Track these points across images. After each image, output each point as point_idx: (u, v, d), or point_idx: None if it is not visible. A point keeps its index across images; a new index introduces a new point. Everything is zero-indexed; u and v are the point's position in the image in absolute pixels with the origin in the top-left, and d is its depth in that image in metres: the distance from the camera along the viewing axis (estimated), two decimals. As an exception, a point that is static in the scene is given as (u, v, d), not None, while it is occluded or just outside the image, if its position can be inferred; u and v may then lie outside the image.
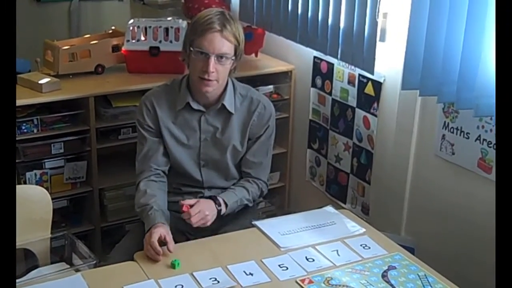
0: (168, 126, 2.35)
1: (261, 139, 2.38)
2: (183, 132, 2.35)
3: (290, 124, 3.52)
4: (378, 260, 2.04)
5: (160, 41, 3.20)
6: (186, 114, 2.35)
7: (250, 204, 2.39)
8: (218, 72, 2.23)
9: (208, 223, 2.18)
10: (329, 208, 2.37)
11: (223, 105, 2.32)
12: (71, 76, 3.15)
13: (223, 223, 2.33)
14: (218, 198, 2.28)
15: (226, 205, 2.27)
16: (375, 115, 2.87)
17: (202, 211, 2.16)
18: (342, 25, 2.80)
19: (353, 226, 2.24)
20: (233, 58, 2.25)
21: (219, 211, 2.24)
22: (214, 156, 2.38)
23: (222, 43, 2.21)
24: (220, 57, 2.21)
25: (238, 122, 2.36)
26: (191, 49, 2.25)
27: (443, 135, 2.51)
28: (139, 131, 2.38)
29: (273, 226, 2.22)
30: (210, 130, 2.35)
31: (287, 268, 1.98)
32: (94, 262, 2.10)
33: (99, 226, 3.16)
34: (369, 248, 2.10)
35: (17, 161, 2.89)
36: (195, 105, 2.32)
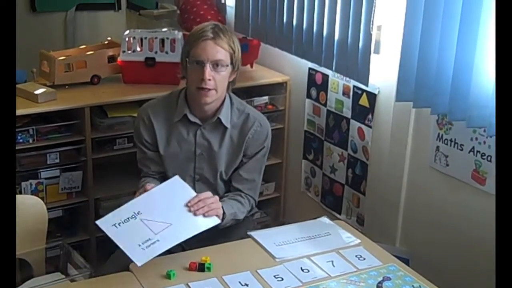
0: (164, 138, 2.35)
1: (256, 157, 2.38)
2: (178, 145, 2.36)
3: (285, 135, 3.53)
4: (373, 271, 2.04)
5: (156, 52, 3.21)
6: (182, 127, 2.35)
7: (241, 218, 2.35)
8: (216, 81, 2.23)
9: (221, 211, 2.14)
10: (324, 219, 2.38)
11: (219, 119, 2.33)
12: (67, 87, 3.16)
13: (218, 234, 2.33)
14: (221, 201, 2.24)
15: (224, 214, 2.23)
16: (370, 127, 2.88)
17: (211, 195, 2.13)
18: (336, 37, 2.82)
19: (348, 237, 2.25)
20: (230, 65, 2.26)
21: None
22: (208, 171, 2.38)
23: (216, 50, 2.22)
24: (215, 64, 2.22)
25: (234, 137, 2.36)
26: (187, 60, 2.27)
27: (437, 147, 2.52)
28: (138, 147, 2.39)
29: (268, 236, 2.23)
30: (205, 144, 2.35)
31: (282, 279, 1.98)
32: (89, 272, 2.10)
33: (94, 236, 3.15)
34: (364, 259, 2.11)
35: (12, 171, 2.90)
36: (192, 118, 2.33)
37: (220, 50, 2.22)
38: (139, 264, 1.93)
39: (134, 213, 2.02)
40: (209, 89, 2.23)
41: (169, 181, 2.18)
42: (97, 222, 2.01)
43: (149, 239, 1.98)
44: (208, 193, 2.15)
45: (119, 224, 2.00)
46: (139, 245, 1.96)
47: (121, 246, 1.95)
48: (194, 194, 2.11)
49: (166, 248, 2.00)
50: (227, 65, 2.25)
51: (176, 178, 2.15)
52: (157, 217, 2.02)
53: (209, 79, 2.22)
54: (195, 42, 2.24)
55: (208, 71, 2.21)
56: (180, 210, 2.07)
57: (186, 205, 2.08)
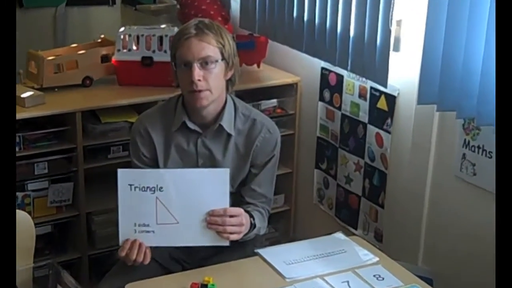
0: (163, 151, 2.35)
1: (267, 167, 2.38)
2: (179, 157, 2.35)
3: (295, 141, 3.53)
4: (393, 292, 2.04)
5: (154, 51, 3.22)
6: (181, 137, 2.34)
7: (262, 233, 2.38)
8: (208, 80, 2.22)
9: (240, 236, 2.16)
10: (339, 235, 2.37)
11: (221, 126, 2.32)
12: (56, 89, 3.17)
13: (222, 251, 2.32)
14: (251, 213, 2.27)
15: (254, 226, 2.26)
16: (389, 132, 2.88)
17: (241, 216, 2.15)
18: (352, 33, 2.82)
19: (365, 254, 2.24)
20: (221, 61, 2.24)
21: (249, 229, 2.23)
22: None
23: (201, 47, 2.21)
24: (204, 62, 2.21)
25: (239, 146, 2.35)
26: (175, 63, 2.27)
27: (464, 154, 2.51)
28: (133, 163, 2.37)
29: (277, 254, 2.22)
30: (207, 154, 2.34)
31: (292, 301, 1.98)
32: (81, 294, 2.10)
33: (86, 254, 3.16)
34: (383, 279, 2.10)
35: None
36: (191, 125, 2.32)
37: (206, 46, 2.21)
38: (119, 241, 2.06)
39: (157, 186, 2.06)
40: (201, 91, 2.22)
41: (217, 170, 2.20)
42: (119, 170, 2.09)
43: (148, 225, 2.06)
44: (238, 211, 2.15)
45: (135, 188, 2.06)
46: (134, 224, 2.06)
47: (119, 212, 2.06)
48: (226, 204, 2.11)
49: (156, 245, 2.09)
50: (217, 61, 2.23)
51: (226, 171, 2.12)
52: (173, 206, 2.06)
53: (199, 80, 2.20)
54: (178, 42, 2.24)
55: (197, 71, 2.20)
56: (197, 212, 2.09)
57: (207, 212, 2.09)
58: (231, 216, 2.11)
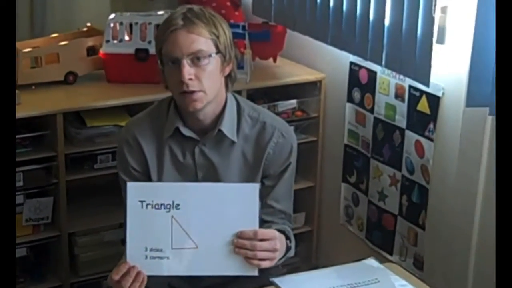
0: (156, 162, 2.35)
1: (284, 178, 2.38)
2: (175, 169, 2.35)
3: (319, 150, 3.54)
4: (436, 330, 2.04)
5: (150, 42, 3.23)
6: (175, 145, 2.34)
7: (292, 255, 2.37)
8: (201, 80, 2.21)
9: (273, 263, 2.14)
10: (371, 261, 2.37)
11: (221, 131, 2.32)
12: (33, 87, 3.20)
13: (231, 280, 2.33)
14: (287, 233, 2.27)
15: (289, 249, 2.26)
16: (431, 139, 2.88)
17: (274, 239, 2.13)
18: (387, 22, 2.83)
19: (402, 285, 2.23)
20: (216, 54, 2.23)
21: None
22: None
23: (191, 40, 2.20)
24: (195, 58, 2.20)
25: (247, 154, 2.35)
26: (161, 61, 2.27)
27: (522, 166, 2.51)
28: (121, 178, 2.37)
29: (297, 284, 2.22)
30: (207, 165, 2.34)
31: None
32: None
33: (68, 282, 3.18)
34: (424, 314, 2.11)
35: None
36: (186, 131, 2.32)
37: (196, 39, 2.21)
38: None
39: (173, 202, 2.04)
40: (194, 92, 2.22)
41: (245, 185, 2.21)
42: (128, 184, 2.07)
43: (161, 250, 2.04)
44: (271, 234, 2.13)
45: (147, 205, 2.04)
46: (145, 249, 2.03)
47: (127, 234, 2.04)
48: (256, 225, 2.09)
49: (171, 274, 2.07)
50: (211, 55, 2.22)
51: (255, 186, 2.11)
52: (192, 227, 2.05)
53: (190, 79, 2.20)
54: (163, 36, 2.24)
55: (187, 68, 2.19)
56: (221, 235, 2.07)
57: (235, 234, 2.07)
58: (261, 240, 2.09)
